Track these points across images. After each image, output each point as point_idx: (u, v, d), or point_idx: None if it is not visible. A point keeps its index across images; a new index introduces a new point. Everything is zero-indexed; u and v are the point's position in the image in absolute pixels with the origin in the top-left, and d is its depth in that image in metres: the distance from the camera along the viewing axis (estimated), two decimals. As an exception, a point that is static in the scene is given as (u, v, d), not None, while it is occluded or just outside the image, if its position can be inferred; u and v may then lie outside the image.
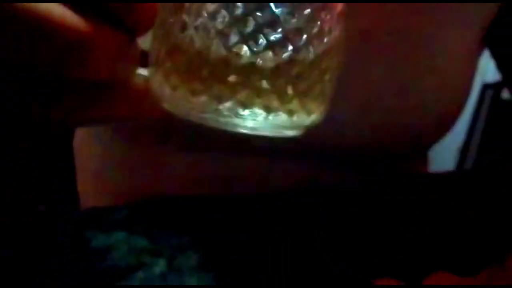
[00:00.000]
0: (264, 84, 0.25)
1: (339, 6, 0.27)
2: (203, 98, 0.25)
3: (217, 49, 0.25)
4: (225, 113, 0.25)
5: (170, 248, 0.44)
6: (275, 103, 0.25)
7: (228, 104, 0.25)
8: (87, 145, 0.61)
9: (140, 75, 0.27)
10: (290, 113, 0.26)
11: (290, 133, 0.27)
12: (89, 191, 0.61)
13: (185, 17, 0.26)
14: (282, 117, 0.26)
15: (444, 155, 1.07)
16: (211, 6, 0.25)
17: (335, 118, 0.53)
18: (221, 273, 0.43)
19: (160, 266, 0.43)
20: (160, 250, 0.44)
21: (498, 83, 1.05)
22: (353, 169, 0.57)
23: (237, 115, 0.25)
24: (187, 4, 0.26)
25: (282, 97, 0.25)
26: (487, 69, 0.97)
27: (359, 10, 0.50)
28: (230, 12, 0.25)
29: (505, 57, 0.60)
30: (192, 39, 0.25)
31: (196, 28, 0.25)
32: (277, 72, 0.25)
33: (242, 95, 0.25)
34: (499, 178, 0.54)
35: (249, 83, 0.25)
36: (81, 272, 0.38)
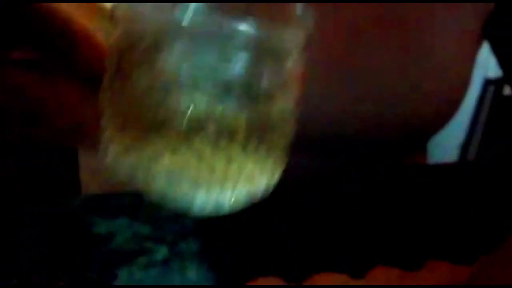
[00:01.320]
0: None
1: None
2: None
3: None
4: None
5: (172, 234, 0.45)
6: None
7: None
8: None
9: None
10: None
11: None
12: (92, 177, 0.62)
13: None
14: None
15: (446, 151, 1.07)
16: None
17: (335, 109, 0.54)
18: (220, 259, 0.43)
19: (162, 251, 0.43)
20: (162, 236, 0.45)
21: (500, 79, 1.05)
22: (352, 161, 0.58)
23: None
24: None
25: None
26: (489, 65, 0.97)
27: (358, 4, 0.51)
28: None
29: (506, 54, 0.60)
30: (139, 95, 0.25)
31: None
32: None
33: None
34: (496, 170, 0.54)
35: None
36: (84, 255, 0.38)
